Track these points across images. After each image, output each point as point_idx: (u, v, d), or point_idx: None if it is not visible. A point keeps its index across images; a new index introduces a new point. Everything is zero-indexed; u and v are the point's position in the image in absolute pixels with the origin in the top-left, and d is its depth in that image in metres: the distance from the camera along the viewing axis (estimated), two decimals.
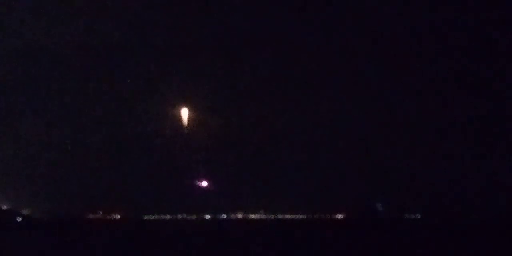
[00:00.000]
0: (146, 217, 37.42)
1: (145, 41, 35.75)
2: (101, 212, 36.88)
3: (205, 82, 35.58)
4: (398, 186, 37.15)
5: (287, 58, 36.99)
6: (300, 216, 37.77)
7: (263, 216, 37.45)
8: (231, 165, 36.26)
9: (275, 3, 36.40)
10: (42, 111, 35.08)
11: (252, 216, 37.41)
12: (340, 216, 37.91)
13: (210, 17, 36.08)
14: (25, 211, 35.36)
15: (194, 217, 37.35)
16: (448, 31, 37.66)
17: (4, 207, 35.52)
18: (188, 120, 35.13)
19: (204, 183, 36.07)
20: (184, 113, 34.94)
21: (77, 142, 35.21)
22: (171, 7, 35.68)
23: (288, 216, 37.88)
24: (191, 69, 36.06)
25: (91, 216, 36.88)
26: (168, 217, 37.54)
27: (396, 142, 38.02)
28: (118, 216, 36.91)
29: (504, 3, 36.89)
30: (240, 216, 37.78)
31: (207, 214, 37.08)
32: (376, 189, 37.35)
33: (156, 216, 37.37)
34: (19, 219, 33.99)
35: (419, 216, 38.50)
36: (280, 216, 37.95)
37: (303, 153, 37.10)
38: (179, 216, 37.51)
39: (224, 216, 37.03)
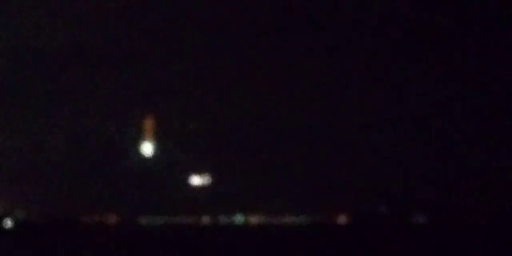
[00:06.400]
0: (143, 220, 37.33)
1: (119, 45, 35.58)
2: (96, 215, 36.79)
3: (202, 80, 35.39)
4: (401, 188, 36.92)
5: (279, 57, 36.80)
6: (301, 218, 37.57)
7: (262, 219, 37.39)
8: (229, 166, 36.19)
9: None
10: (34, 111, 34.96)
11: (252, 218, 37.37)
12: (342, 218, 37.68)
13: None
14: (16, 214, 35.23)
15: (192, 219, 37.25)
16: (451, 31, 37.45)
17: None
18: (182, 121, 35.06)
19: (202, 184, 36.10)
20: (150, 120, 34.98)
21: (71, 142, 35.16)
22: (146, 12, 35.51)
23: (288, 218, 37.70)
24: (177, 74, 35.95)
25: (86, 219, 36.71)
26: (165, 219, 37.43)
27: (399, 142, 37.79)
28: (114, 219, 36.85)
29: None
30: (239, 217, 37.68)
31: (206, 216, 37.02)
32: (379, 191, 37.09)
33: (153, 219, 37.30)
34: (9, 222, 33.86)
35: (423, 217, 38.24)
36: (279, 218, 37.78)
37: (304, 153, 36.90)
38: (177, 219, 37.37)
39: (224, 219, 36.98)
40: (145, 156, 35.93)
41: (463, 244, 27.35)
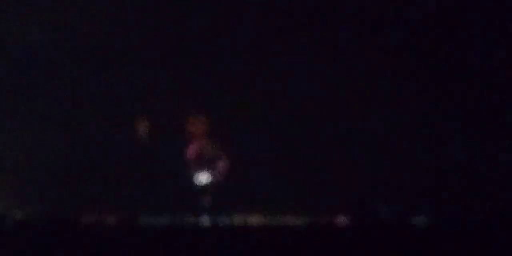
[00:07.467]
0: (142, 220, 37.15)
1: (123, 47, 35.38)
2: (96, 215, 36.57)
3: (206, 81, 35.29)
4: (401, 188, 36.80)
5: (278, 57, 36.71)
6: (301, 218, 37.44)
7: (263, 219, 37.25)
8: (230, 166, 36.03)
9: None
10: (33, 113, 34.83)
11: (252, 218, 37.21)
12: (342, 219, 37.57)
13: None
14: (17, 214, 35.03)
15: (191, 220, 37.08)
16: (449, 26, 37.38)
17: None
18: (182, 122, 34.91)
19: (202, 186, 35.93)
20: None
21: (69, 143, 34.98)
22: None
23: (288, 218, 37.58)
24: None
25: (85, 219, 36.52)
26: (164, 220, 37.25)
27: (398, 142, 37.69)
28: (113, 219, 36.64)
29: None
30: (240, 219, 37.52)
31: (206, 216, 36.87)
32: (379, 191, 36.99)
33: (153, 219, 37.10)
34: (10, 222, 33.63)
35: (422, 218, 38.14)
36: (280, 218, 37.67)
37: (305, 153, 36.80)
38: (176, 219, 37.21)
39: (225, 219, 36.80)
40: (143, 156, 35.74)
41: (463, 245, 27.21)
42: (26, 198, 34.46)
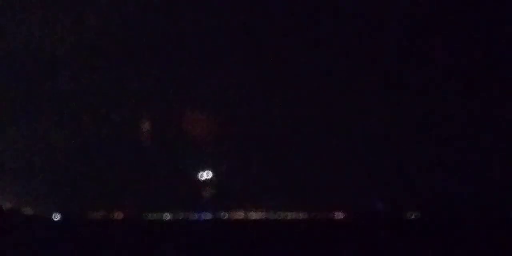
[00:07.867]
0: (149, 217, 37.39)
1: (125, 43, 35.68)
2: (102, 211, 36.88)
3: (211, 78, 35.53)
4: (398, 185, 37.08)
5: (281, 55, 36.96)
6: (299, 215, 37.69)
7: (264, 215, 37.44)
8: (230, 163, 36.28)
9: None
10: (41, 110, 35.17)
11: (253, 215, 37.41)
12: (339, 215, 37.86)
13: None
14: (26, 211, 35.39)
15: (195, 216, 37.36)
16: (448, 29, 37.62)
17: (5, 206, 35.60)
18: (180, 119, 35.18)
19: (205, 181, 36.20)
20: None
21: (77, 141, 35.27)
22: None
23: (287, 215, 37.83)
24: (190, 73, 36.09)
25: (92, 215, 36.90)
26: (171, 216, 37.51)
27: (396, 140, 37.97)
28: (121, 215, 36.90)
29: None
30: (240, 215, 37.79)
31: (208, 213, 37.13)
32: (376, 188, 37.29)
33: (159, 216, 37.32)
34: (20, 219, 34.06)
35: (419, 215, 38.42)
36: (279, 215, 37.93)
37: (303, 150, 37.08)
38: (181, 215, 37.49)
39: (225, 215, 37.06)
40: (148, 153, 36.22)
41: (456, 241, 27.70)
42: (35, 195, 34.94)
